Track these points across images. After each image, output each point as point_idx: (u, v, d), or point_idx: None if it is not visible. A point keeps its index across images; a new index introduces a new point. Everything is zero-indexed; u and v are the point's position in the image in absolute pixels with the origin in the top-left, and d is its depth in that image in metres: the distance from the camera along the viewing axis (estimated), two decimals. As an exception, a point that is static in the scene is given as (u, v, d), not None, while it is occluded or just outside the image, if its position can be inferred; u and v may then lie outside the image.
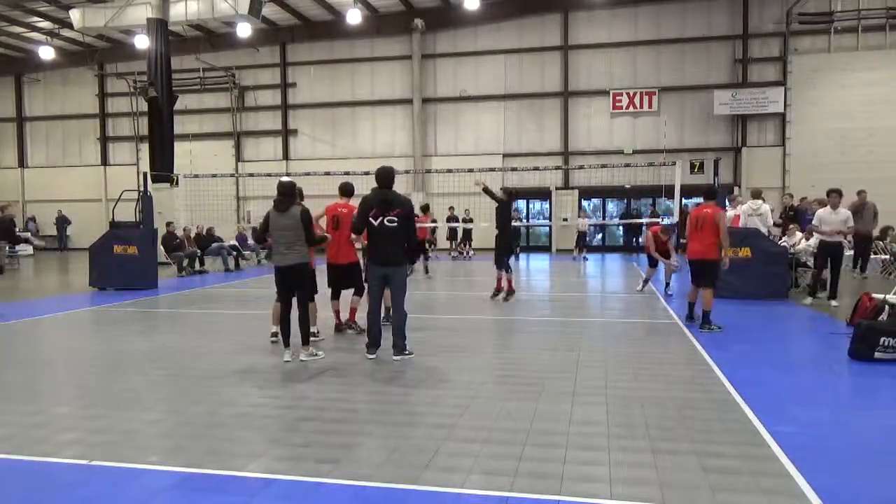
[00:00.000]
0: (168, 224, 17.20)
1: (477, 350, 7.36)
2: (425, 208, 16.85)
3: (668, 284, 12.10)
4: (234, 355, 7.11)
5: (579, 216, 22.88)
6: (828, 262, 10.53)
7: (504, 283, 11.19)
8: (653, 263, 12.42)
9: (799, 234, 12.74)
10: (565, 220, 22.22)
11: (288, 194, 6.71)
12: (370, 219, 6.60)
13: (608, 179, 23.63)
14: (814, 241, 11.21)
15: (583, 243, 21.82)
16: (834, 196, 10.43)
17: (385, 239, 6.60)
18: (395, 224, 6.55)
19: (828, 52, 23.58)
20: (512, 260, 12.13)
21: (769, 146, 24.26)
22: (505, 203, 11.14)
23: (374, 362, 6.68)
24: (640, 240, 24.61)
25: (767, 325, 8.41)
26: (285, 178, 7.04)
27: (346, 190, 8.24)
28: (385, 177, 6.71)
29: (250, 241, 19.64)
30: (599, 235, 27.08)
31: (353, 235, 7.64)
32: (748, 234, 11.49)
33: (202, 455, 4.14)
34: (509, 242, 11.49)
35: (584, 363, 6.55)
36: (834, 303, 10.39)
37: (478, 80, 26.35)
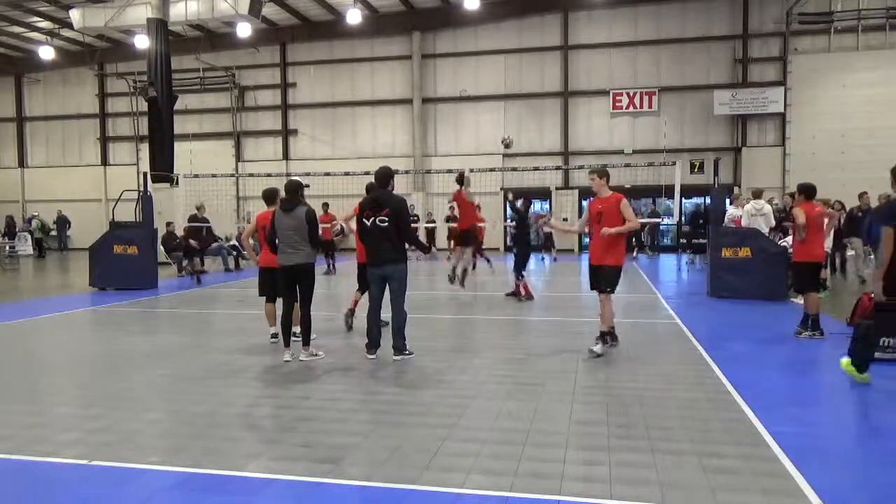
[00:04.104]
0: (168, 224, 17.19)
1: (477, 350, 7.35)
2: (325, 207, 16.70)
3: None
4: (234, 355, 7.12)
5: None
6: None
7: (521, 289, 11.44)
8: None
9: None
10: (565, 219, 22.19)
11: (293, 192, 6.72)
12: (363, 220, 6.77)
13: (608, 179, 23.55)
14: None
15: (550, 243, 21.76)
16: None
17: (378, 239, 6.70)
18: (386, 224, 6.63)
19: (828, 52, 23.56)
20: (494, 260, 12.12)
21: (769, 146, 24.24)
22: (521, 216, 11.66)
23: (374, 362, 6.68)
24: (642, 239, 24.51)
25: (767, 325, 8.41)
26: (295, 178, 7.07)
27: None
28: (380, 177, 6.86)
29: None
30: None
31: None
32: (748, 235, 11.63)
33: (202, 455, 4.14)
34: (520, 253, 11.64)
35: (584, 363, 6.55)
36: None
37: (478, 80, 26.33)
